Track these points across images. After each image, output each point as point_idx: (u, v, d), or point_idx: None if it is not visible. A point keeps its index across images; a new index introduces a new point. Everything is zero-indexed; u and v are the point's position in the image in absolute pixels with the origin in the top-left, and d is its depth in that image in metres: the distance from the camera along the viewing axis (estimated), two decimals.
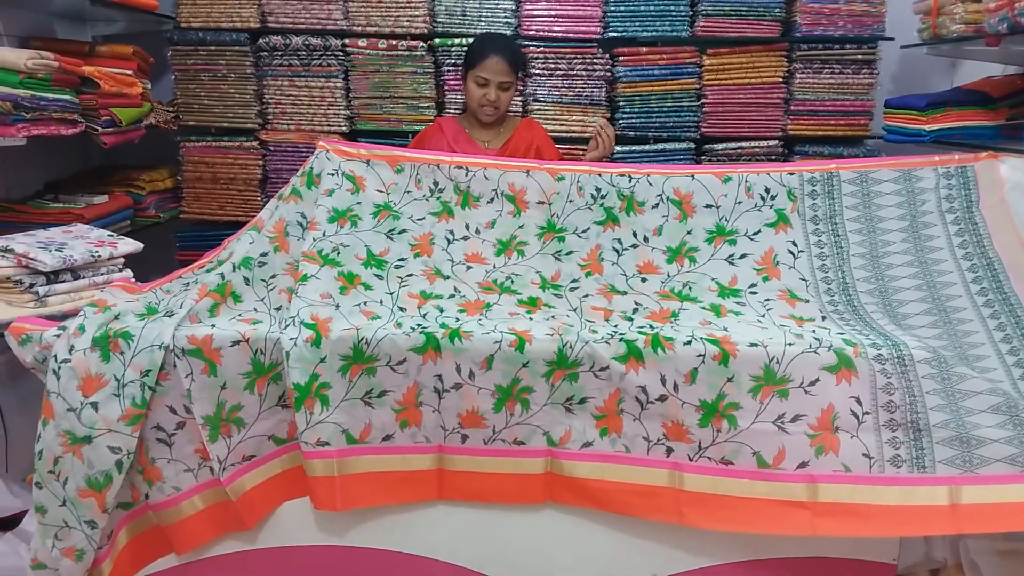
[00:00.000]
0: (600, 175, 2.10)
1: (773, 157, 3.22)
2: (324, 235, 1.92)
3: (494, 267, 2.00)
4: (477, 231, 2.06)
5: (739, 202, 2.05)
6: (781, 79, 3.17)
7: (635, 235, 2.04)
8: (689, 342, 1.66)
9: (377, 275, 1.90)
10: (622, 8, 3.10)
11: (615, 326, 1.76)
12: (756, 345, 1.65)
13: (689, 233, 2.04)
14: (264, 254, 1.90)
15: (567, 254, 2.03)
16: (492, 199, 2.08)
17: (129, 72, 2.83)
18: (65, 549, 1.63)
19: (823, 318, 1.84)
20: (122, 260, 2.14)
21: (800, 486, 1.63)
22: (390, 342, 1.67)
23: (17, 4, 2.70)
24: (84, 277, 2.05)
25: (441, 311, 1.81)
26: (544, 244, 2.04)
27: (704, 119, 3.20)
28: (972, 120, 2.79)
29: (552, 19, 3.14)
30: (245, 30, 3.15)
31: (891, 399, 1.62)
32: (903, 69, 3.50)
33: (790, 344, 1.65)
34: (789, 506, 1.63)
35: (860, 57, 3.14)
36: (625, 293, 1.95)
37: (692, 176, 2.07)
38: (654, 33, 3.12)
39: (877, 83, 3.20)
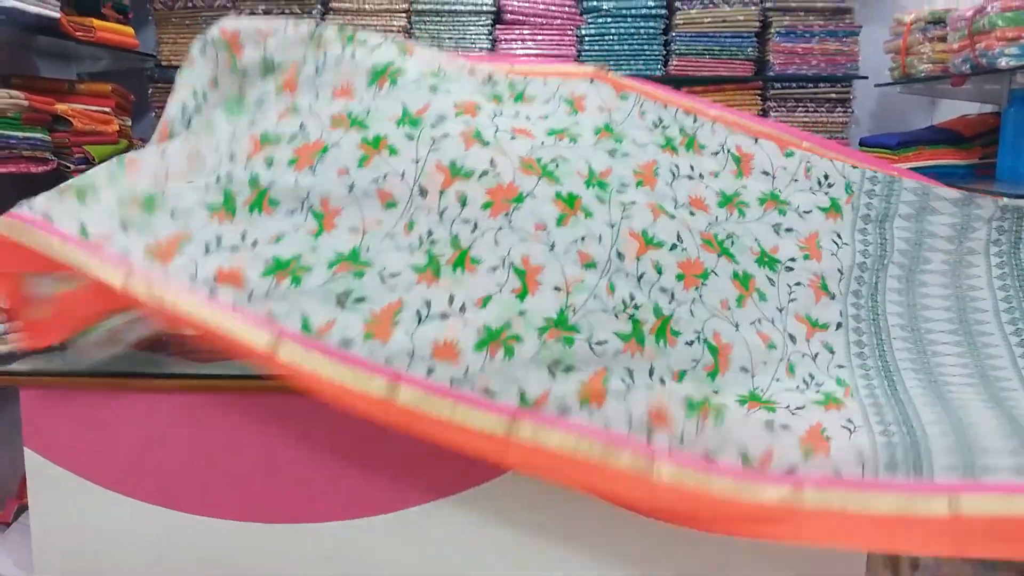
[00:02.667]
0: (665, 106, 2.01)
1: None
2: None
3: (541, 144, 1.77)
4: (527, 117, 1.86)
5: (795, 179, 1.99)
6: None
7: (692, 168, 1.94)
8: (691, 343, 1.62)
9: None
10: (596, 47, 3.14)
11: (639, 278, 1.64)
12: (746, 371, 1.63)
13: (744, 188, 1.97)
14: None
15: (622, 155, 1.87)
16: (548, 100, 1.93)
17: (107, 109, 2.87)
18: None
19: (838, 326, 1.80)
20: None
21: (785, 488, 1.51)
22: None
23: (0, 42, 2.75)
24: None
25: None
26: (599, 140, 1.87)
27: None
28: (944, 159, 2.79)
29: (527, 59, 3.17)
30: None
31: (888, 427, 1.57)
32: (882, 107, 3.51)
33: (777, 380, 1.63)
34: (771, 509, 1.52)
35: (834, 96, 3.16)
36: (672, 218, 1.80)
37: (756, 139, 2.01)
38: (628, 72, 3.14)
39: (852, 121, 3.22)
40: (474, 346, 1.49)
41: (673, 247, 1.75)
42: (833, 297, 1.85)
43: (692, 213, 1.87)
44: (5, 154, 2.35)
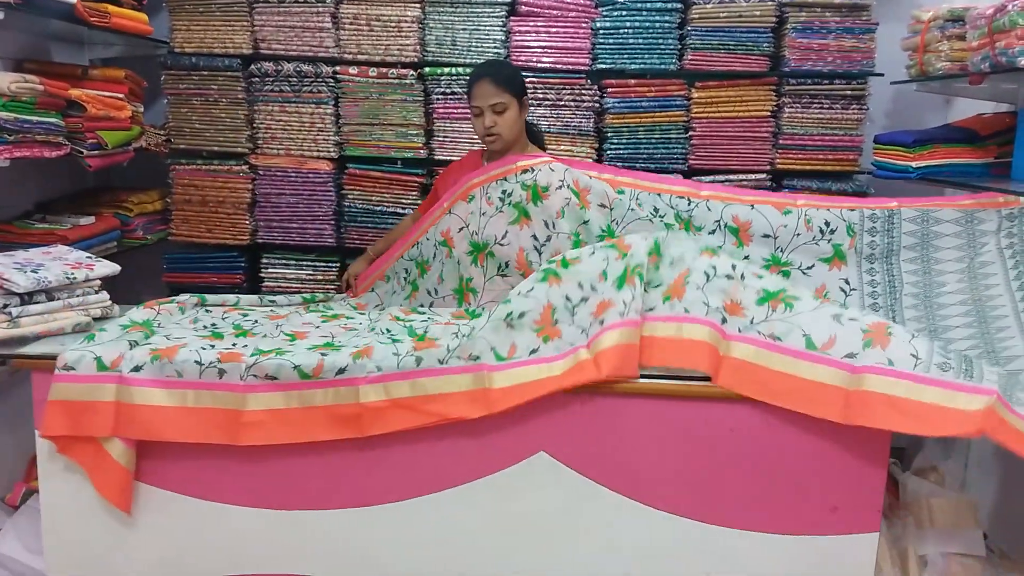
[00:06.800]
0: (660, 195, 2.12)
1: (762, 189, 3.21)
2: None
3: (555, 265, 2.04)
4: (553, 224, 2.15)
5: (797, 234, 2.04)
6: (769, 113, 3.16)
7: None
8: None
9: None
10: (611, 40, 3.11)
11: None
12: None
13: (746, 260, 2.03)
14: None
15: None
16: (559, 187, 2.16)
17: (120, 95, 2.87)
18: None
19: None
20: (98, 282, 2.15)
21: (842, 372, 1.63)
22: None
23: (14, 27, 2.74)
24: (59, 299, 2.05)
25: None
26: (598, 250, 2.04)
27: (692, 151, 3.19)
28: (960, 158, 2.77)
29: (542, 50, 3.15)
30: (237, 56, 3.18)
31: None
32: (897, 105, 3.49)
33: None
34: (826, 388, 1.64)
35: (849, 92, 3.14)
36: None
37: (752, 206, 2.07)
38: (642, 65, 3.13)
39: (867, 118, 3.19)
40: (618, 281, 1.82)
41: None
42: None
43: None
44: (19, 138, 2.35)
